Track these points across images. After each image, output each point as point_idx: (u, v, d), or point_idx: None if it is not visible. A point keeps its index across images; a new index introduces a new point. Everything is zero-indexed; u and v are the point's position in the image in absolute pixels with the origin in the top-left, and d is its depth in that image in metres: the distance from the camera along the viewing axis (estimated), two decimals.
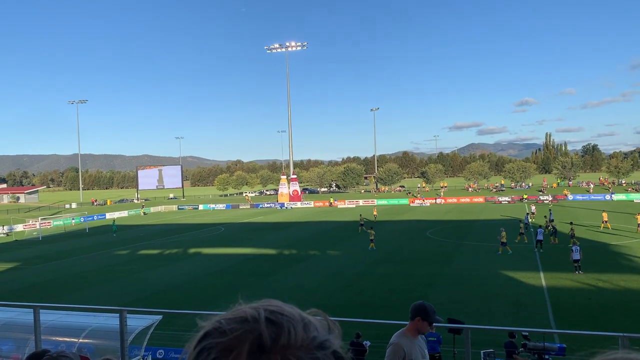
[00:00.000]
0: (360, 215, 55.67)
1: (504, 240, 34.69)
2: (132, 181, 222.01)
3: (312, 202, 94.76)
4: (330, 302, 23.43)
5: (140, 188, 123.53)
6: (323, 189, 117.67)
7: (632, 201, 77.29)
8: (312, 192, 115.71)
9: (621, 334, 6.08)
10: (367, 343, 13.81)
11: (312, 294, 25.39)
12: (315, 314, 1.09)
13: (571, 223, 39.64)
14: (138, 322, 14.40)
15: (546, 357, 11.63)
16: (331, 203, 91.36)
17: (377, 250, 37.68)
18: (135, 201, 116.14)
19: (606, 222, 45.11)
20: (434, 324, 5.27)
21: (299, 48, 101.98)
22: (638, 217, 43.55)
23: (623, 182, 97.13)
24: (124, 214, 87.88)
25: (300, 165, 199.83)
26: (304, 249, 40.79)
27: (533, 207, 60.35)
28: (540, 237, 35.30)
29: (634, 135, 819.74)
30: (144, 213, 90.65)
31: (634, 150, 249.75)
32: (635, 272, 27.83)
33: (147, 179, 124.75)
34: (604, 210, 48.27)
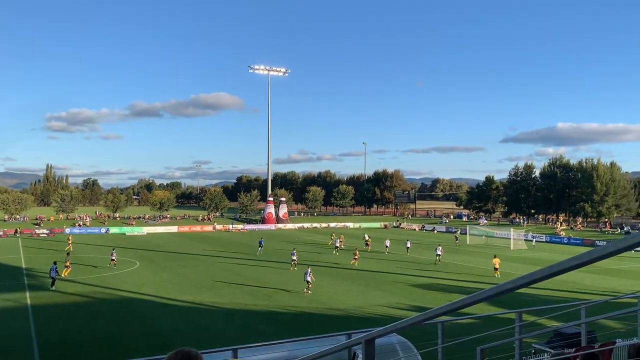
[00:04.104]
0: None
1: None
2: None
3: None
4: None
5: None
6: None
7: (125, 234, 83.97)
8: None
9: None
10: None
11: None
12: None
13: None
14: None
15: None
16: None
17: None
18: None
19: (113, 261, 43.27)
20: None
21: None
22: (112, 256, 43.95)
23: (117, 216, 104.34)
24: None
25: None
26: None
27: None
28: (53, 274, 33.21)
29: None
30: None
31: (129, 187, 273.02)
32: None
33: None
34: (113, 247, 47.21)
